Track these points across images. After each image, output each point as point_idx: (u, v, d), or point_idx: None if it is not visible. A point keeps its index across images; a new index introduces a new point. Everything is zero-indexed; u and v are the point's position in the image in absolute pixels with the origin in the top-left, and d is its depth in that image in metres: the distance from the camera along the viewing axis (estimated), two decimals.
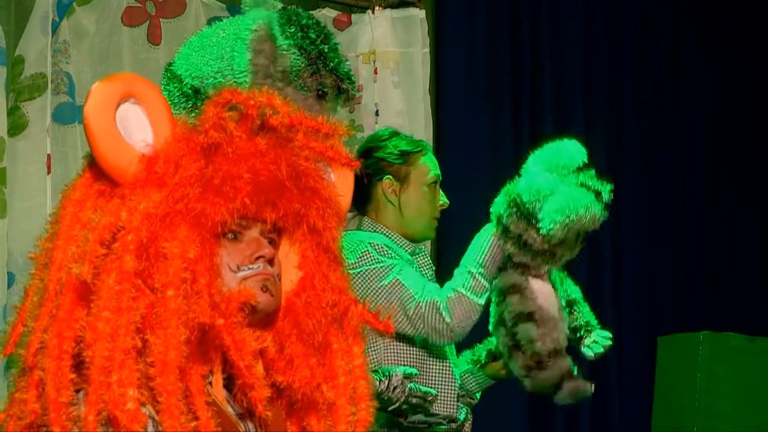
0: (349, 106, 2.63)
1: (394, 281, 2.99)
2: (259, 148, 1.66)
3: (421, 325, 2.95)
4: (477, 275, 2.93)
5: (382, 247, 3.05)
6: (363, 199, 3.18)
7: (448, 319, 2.91)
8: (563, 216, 2.79)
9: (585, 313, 3.01)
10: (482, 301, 2.93)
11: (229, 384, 1.68)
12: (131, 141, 1.64)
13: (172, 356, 1.55)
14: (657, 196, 4.90)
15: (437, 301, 2.93)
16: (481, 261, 2.93)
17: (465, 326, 2.93)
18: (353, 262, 3.01)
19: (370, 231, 3.14)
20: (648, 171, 4.89)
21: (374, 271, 3.01)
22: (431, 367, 3.08)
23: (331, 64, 2.38)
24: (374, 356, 3.09)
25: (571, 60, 4.67)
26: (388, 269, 3.00)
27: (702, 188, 4.97)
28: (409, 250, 3.15)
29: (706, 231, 4.96)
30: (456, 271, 2.99)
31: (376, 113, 4.07)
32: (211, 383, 1.67)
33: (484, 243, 2.95)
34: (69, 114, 3.54)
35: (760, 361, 3.70)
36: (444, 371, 3.09)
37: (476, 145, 4.37)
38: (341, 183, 1.82)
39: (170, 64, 2.46)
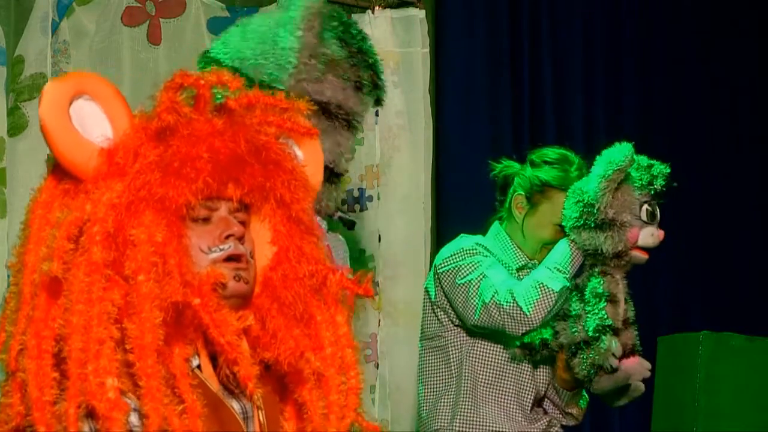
0: (380, 106, 2.64)
1: (480, 276, 3.03)
2: (216, 128, 1.68)
3: (497, 313, 2.98)
4: (553, 269, 2.98)
5: (474, 250, 3.10)
6: (502, 200, 3.25)
7: (522, 305, 2.94)
8: (602, 172, 2.85)
9: (632, 336, 3.03)
10: (557, 288, 2.95)
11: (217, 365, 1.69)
12: (90, 137, 1.65)
13: (149, 340, 1.56)
14: (656, 196, 4.89)
15: (513, 290, 2.96)
16: (557, 258, 2.98)
17: (539, 314, 2.95)
18: (444, 258, 3.11)
19: (488, 236, 3.22)
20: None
21: (461, 267, 3.06)
22: (510, 369, 3.13)
23: (371, 60, 2.43)
24: (457, 355, 3.12)
25: (571, 60, 4.66)
26: (474, 266, 3.05)
27: (702, 188, 4.97)
28: (520, 264, 3.18)
29: (706, 231, 4.96)
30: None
31: (376, 113, 4.07)
32: (199, 367, 1.68)
33: (560, 248, 2.99)
34: None
35: (760, 361, 3.70)
36: (523, 375, 3.13)
37: (476, 145, 4.36)
38: (309, 156, 1.83)
39: (207, 51, 2.49)
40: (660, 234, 2.95)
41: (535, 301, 2.93)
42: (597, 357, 2.92)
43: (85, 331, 1.55)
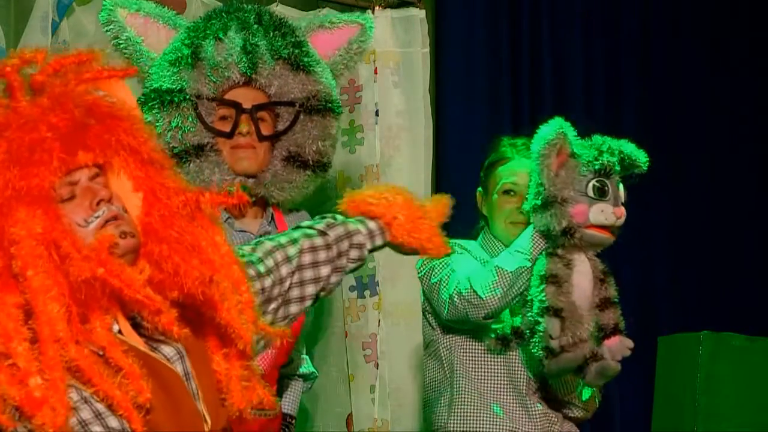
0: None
1: (449, 272, 3.08)
2: (44, 106, 1.68)
3: (459, 303, 3.01)
4: (513, 251, 2.99)
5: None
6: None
7: (477, 289, 2.97)
8: (537, 149, 2.87)
9: (614, 316, 2.99)
10: (511, 268, 2.96)
11: (134, 325, 1.72)
12: None
13: (46, 332, 1.58)
14: (657, 196, 4.90)
15: (471, 277, 3.00)
16: (519, 242, 3.00)
17: (495, 295, 2.96)
18: (422, 262, 3.16)
19: (473, 239, 3.25)
20: (648, 170, 4.88)
21: (434, 267, 3.11)
22: (500, 361, 3.13)
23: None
24: (448, 356, 3.13)
25: (571, 60, 4.67)
26: (445, 264, 3.09)
27: (702, 187, 4.97)
28: None
29: (706, 230, 4.96)
30: None
31: (376, 113, 4.06)
32: (120, 332, 1.70)
33: (524, 232, 3.01)
34: None
35: (760, 361, 3.70)
36: (514, 364, 3.13)
37: (476, 145, 4.36)
38: (124, 95, 1.82)
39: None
40: (617, 211, 2.92)
41: (490, 283, 2.96)
42: (538, 340, 2.92)
43: None
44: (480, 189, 3.29)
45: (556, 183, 2.89)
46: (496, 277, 2.96)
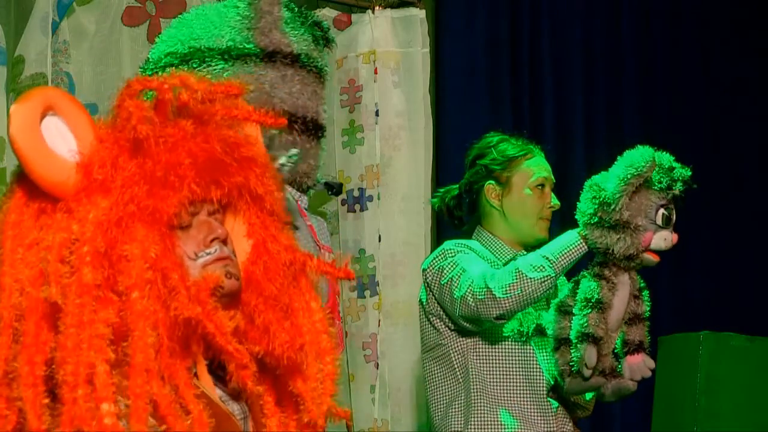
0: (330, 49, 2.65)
1: (459, 272, 3.04)
2: (187, 131, 1.65)
3: (472, 302, 2.97)
4: (541, 256, 2.95)
5: (455, 250, 3.12)
6: (472, 208, 3.27)
7: (493, 288, 2.93)
8: (622, 174, 2.81)
9: (641, 333, 2.97)
10: (535, 277, 2.91)
11: (210, 368, 1.67)
12: (59, 152, 1.60)
13: (139, 359, 1.53)
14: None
15: (486, 277, 2.96)
16: (553, 246, 2.96)
17: (512, 298, 2.92)
18: (429, 263, 3.14)
19: (473, 238, 3.22)
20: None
21: (444, 268, 3.08)
22: (517, 363, 3.11)
23: (313, 19, 2.46)
24: (461, 360, 3.11)
25: (571, 60, 4.67)
26: (454, 264, 3.06)
27: (701, 187, 4.96)
28: (507, 258, 3.17)
29: (706, 230, 4.96)
30: None
31: (376, 113, 4.07)
32: (196, 374, 1.66)
33: (564, 237, 2.97)
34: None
35: (760, 361, 3.70)
36: (531, 364, 3.10)
37: None
38: (260, 139, 1.79)
39: (149, 58, 2.52)
40: (674, 238, 2.91)
41: (508, 285, 2.91)
42: (570, 362, 2.91)
43: (75, 354, 1.52)
44: (491, 182, 3.22)
45: (631, 209, 2.85)
46: (515, 280, 2.91)
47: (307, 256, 1.73)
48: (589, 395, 3.19)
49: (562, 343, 2.93)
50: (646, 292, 2.99)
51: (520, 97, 4.52)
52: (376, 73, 4.09)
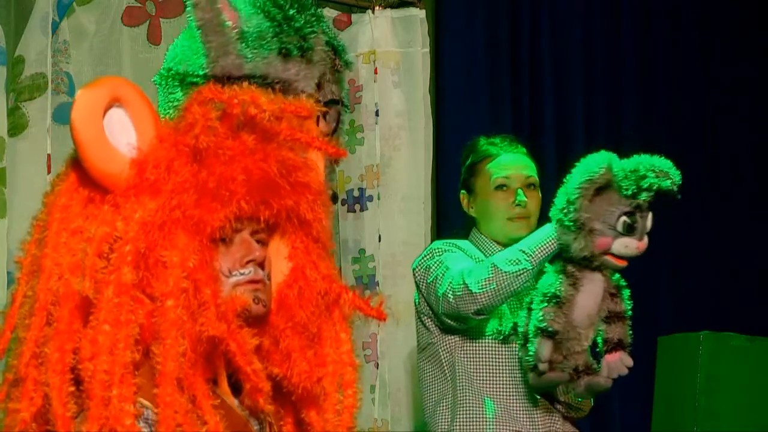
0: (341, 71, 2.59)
1: (443, 270, 3.06)
2: (248, 147, 1.63)
3: (452, 298, 2.99)
4: (518, 249, 2.96)
5: (441, 249, 3.15)
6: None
7: (469, 283, 2.94)
8: (577, 178, 2.81)
9: (620, 331, 2.98)
10: (509, 270, 2.93)
11: (229, 382, 1.67)
12: (117, 145, 1.59)
13: (170, 368, 1.53)
14: (657, 195, 4.89)
15: (464, 272, 2.98)
16: (530, 239, 2.97)
17: (487, 292, 2.93)
18: (417, 263, 3.17)
19: (466, 238, 3.26)
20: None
21: (430, 267, 3.11)
22: (502, 362, 3.12)
23: (297, 24, 2.38)
24: (448, 358, 3.12)
25: (570, 60, 4.66)
26: (440, 263, 3.09)
27: (702, 188, 4.97)
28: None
29: (706, 230, 4.96)
30: None
31: (376, 113, 4.07)
32: (216, 381, 1.66)
33: (541, 230, 2.98)
34: (69, 114, 3.53)
35: (760, 361, 3.70)
36: (516, 364, 3.10)
37: None
38: (319, 165, 1.78)
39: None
40: (640, 245, 2.89)
41: (483, 279, 2.93)
42: (526, 356, 2.92)
43: (111, 353, 1.51)
44: (463, 191, 3.28)
45: (589, 211, 2.84)
46: (491, 274, 2.93)
47: (343, 288, 1.72)
48: (579, 395, 3.20)
49: (526, 339, 2.95)
50: (626, 291, 2.99)
51: (520, 97, 4.52)
52: (376, 73, 4.09)
